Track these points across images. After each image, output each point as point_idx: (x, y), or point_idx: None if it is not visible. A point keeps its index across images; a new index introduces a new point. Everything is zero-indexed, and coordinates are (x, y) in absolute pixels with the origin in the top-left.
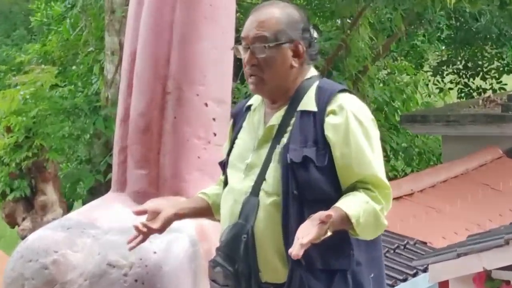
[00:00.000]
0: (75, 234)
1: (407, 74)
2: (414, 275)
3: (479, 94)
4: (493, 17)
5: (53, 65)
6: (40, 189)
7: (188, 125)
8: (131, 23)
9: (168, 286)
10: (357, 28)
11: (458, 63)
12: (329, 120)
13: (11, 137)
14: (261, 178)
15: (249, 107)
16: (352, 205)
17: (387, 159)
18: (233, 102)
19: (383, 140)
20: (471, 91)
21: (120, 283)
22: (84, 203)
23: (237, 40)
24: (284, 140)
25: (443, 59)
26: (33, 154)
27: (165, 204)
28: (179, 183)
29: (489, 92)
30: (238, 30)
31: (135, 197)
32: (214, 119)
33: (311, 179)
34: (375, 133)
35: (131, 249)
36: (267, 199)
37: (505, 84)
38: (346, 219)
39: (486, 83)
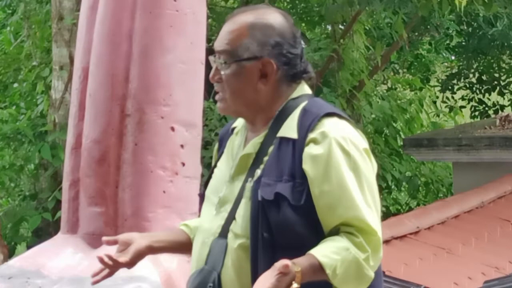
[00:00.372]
0: (18, 285)
1: (411, 90)
2: None
3: (496, 112)
4: (511, 21)
5: None
6: None
7: (152, 153)
8: (83, 32)
9: None
10: (351, 35)
11: (471, 76)
12: (309, 150)
13: None
14: (231, 216)
15: (234, 129)
16: (328, 252)
17: (388, 190)
18: (205, 125)
19: (383, 168)
20: (486, 108)
21: None
22: (28, 247)
23: (211, 51)
24: (259, 172)
25: (453, 71)
26: None
27: (138, 235)
28: (141, 223)
29: (508, 110)
30: (210, 40)
31: (89, 239)
32: (182, 146)
33: (284, 221)
34: (366, 166)
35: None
36: (235, 242)
37: None
38: (319, 268)
39: (504, 98)
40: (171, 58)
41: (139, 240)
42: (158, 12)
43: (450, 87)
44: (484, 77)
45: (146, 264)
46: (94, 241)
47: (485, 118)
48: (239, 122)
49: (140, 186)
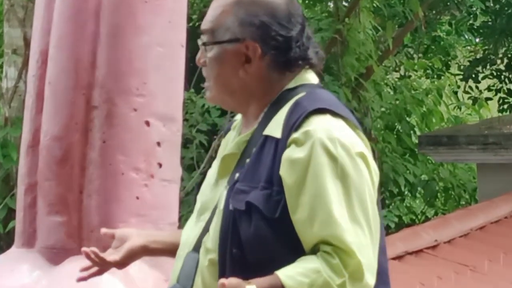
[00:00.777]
0: None
1: (427, 78)
2: None
3: None
4: None
5: None
6: None
7: (123, 152)
8: (41, 9)
9: None
10: (357, 14)
11: (498, 62)
12: (288, 153)
13: None
14: (206, 227)
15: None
16: (294, 273)
17: (401, 197)
18: (185, 120)
19: (394, 171)
20: None
21: None
22: None
23: (192, 32)
24: (237, 176)
25: (477, 56)
26: None
27: (136, 232)
28: None
29: None
30: (191, 19)
31: (49, 254)
32: (159, 144)
33: (255, 235)
34: (358, 174)
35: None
36: (206, 258)
37: None
38: None
39: None
40: (145, 39)
41: (135, 238)
42: None
43: (473, 75)
44: None
45: (115, 284)
46: (54, 256)
47: None
48: (238, 116)
49: (109, 191)
